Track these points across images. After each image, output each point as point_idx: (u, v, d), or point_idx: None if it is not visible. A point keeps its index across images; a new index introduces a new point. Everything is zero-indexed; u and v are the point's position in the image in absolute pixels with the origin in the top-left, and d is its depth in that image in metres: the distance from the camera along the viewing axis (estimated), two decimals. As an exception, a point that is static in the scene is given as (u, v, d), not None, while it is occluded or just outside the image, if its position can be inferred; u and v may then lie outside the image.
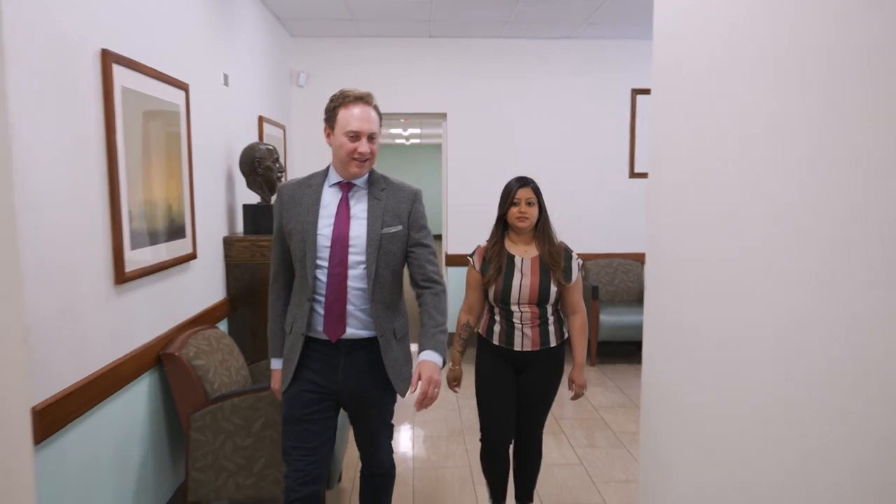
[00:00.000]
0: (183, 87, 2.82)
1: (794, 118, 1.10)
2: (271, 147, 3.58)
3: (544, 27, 5.19)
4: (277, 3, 4.53)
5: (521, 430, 2.60)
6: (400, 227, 2.04)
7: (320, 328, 2.02)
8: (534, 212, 2.45)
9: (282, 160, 4.01)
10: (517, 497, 2.74)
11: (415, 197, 2.11)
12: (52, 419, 1.83)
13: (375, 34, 5.44)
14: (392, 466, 2.25)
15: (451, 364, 2.56)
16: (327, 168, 2.08)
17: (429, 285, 2.09)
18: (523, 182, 2.46)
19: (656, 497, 2.00)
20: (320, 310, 2.00)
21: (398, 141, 14.51)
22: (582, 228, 5.47)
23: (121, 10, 2.29)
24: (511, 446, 2.64)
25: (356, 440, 2.22)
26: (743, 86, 1.32)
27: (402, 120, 9.52)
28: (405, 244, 2.07)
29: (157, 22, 2.62)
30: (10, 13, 1.67)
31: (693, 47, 1.64)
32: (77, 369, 1.99)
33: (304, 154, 5.43)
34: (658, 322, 1.97)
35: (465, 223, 5.61)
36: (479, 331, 2.58)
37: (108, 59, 2.14)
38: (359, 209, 2.02)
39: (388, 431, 2.22)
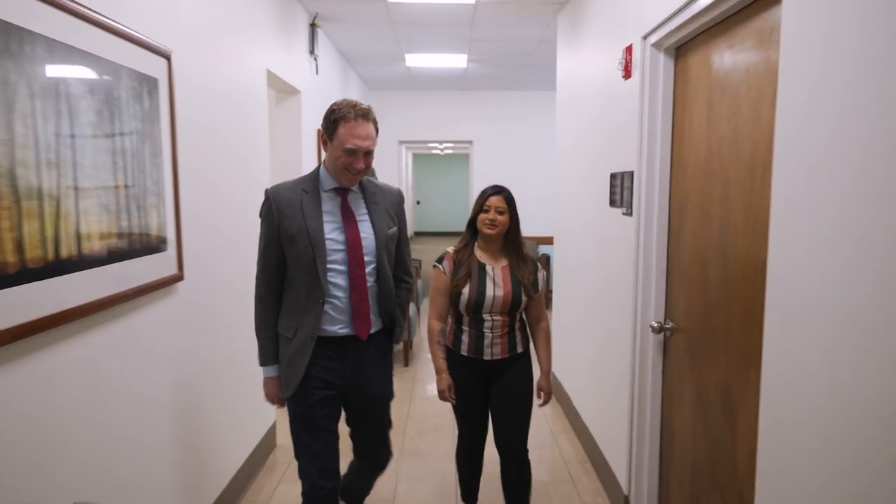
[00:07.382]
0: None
1: (594, 166, 3.61)
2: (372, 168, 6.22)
3: (537, 83, 7.76)
4: (365, 72, 7.21)
5: (506, 453, 2.48)
6: (395, 228, 2.13)
7: (332, 328, 2.04)
8: (504, 220, 2.39)
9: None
10: None
11: (401, 198, 2.21)
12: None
13: (426, 88, 8.15)
14: (389, 459, 2.34)
15: (439, 374, 2.43)
16: (315, 174, 2.07)
17: (406, 279, 2.27)
18: (497, 190, 2.41)
19: (563, 368, 4.30)
20: (332, 311, 2.03)
21: (434, 151, 17.13)
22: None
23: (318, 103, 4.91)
24: (499, 466, 2.56)
25: (356, 441, 2.23)
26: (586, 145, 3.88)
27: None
28: (395, 241, 2.15)
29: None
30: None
31: (570, 127, 4.07)
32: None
33: (380, 165, 8.00)
34: (560, 266, 4.44)
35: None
36: (446, 342, 2.50)
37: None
38: (360, 213, 2.05)
39: (388, 427, 2.32)
